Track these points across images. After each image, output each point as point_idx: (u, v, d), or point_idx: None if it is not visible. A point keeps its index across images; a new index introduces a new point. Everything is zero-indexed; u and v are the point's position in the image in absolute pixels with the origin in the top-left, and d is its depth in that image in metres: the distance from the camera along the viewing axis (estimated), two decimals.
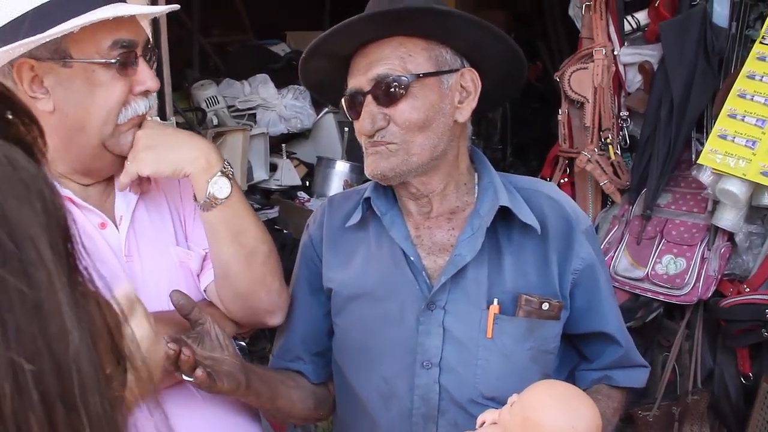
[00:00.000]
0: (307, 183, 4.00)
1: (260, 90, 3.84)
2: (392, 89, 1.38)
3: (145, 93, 1.35)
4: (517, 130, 6.18)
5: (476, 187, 1.53)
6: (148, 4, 2.30)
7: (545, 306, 1.46)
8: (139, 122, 1.36)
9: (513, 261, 1.48)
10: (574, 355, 1.62)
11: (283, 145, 3.92)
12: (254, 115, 3.83)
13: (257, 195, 3.78)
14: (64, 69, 1.25)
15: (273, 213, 3.69)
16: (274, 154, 3.88)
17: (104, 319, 0.47)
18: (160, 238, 1.44)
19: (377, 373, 1.52)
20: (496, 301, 1.45)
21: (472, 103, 1.46)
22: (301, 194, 3.89)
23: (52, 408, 0.39)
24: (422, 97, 1.39)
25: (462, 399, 1.47)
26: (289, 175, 3.87)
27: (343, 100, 1.47)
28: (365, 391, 1.55)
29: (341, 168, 3.94)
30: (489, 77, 1.48)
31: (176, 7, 1.42)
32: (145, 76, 1.33)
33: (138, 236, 1.41)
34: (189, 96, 3.57)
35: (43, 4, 1.21)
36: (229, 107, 3.71)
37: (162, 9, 1.43)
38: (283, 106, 3.85)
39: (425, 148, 1.41)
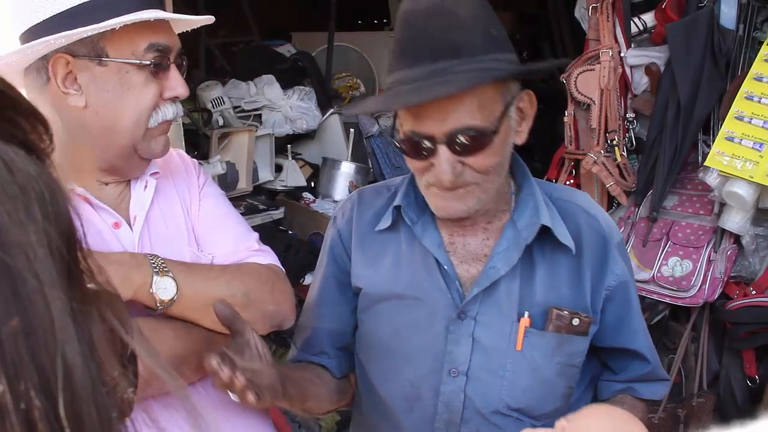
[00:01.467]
0: (312, 184, 4.00)
1: (266, 91, 3.84)
2: (475, 141, 1.29)
3: (174, 99, 1.36)
4: None
5: (512, 196, 1.49)
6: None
7: (575, 321, 1.44)
8: (168, 129, 1.38)
9: (545, 274, 1.46)
10: (596, 365, 1.61)
11: (289, 145, 3.92)
12: (260, 115, 3.83)
13: (262, 196, 3.79)
14: (99, 67, 1.27)
15: (278, 214, 3.69)
16: (280, 155, 3.88)
17: (109, 322, 0.47)
18: (173, 239, 1.44)
19: (403, 375, 1.52)
20: (527, 314, 1.44)
21: (528, 124, 1.41)
22: (307, 195, 3.89)
23: (35, 428, 0.38)
24: (498, 140, 1.32)
25: (486, 409, 1.47)
26: (294, 175, 3.88)
27: (400, 141, 1.36)
28: (389, 393, 1.55)
29: (346, 169, 3.94)
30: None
31: (212, 18, 1.43)
32: (176, 81, 1.34)
33: (152, 236, 1.41)
34: (195, 97, 3.58)
35: (85, 2, 1.23)
36: (234, 108, 3.71)
37: (199, 19, 1.42)
38: (288, 107, 3.85)
39: (495, 183, 1.38)
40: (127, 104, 1.30)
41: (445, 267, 1.45)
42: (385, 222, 1.50)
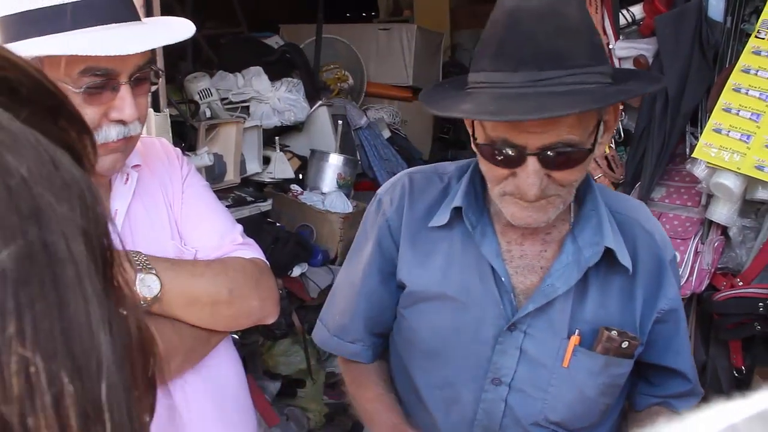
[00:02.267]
0: (300, 176, 3.98)
1: (254, 82, 3.81)
2: (570, 157, 1.23)
3: (121, 121, 1.27)
4: None
5: (572, 205, 1.41)
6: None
7: (625, 344, 1.40)
8: (119, 147, 1.29)
9: (598, 293, 1.42)
10: (633, 380, 1.58)
11: (277, 137, 3.90)
12: (247, 107, 3.80)
13: (250, 188, 3.77)
14: None
15: (266, 206, 3.68)
16: (268, 147, 3.86)
17: (142, 342, 0.46)
18: (155, 233, 1.42)
19: (443, 377, 1.49)
20: (577, 332, 1.41)
21: (609, 135, 1.36)
22: (295, 187, 3.87)
23: (65, 413, 0.37)
24: (589, 158, 1.28)
25: (526, 420, 1.45)
26: (282, 167, 3.86)
27: (481, 145, 1.29)
28: (429, 392, 1.52)
29: (334, 161, 3.92)
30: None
31: (190, 33, 1.32)
32: (123, 104, 1.25)
33: (134, 230, 1.38)
34: (182, 88, 3.55)
35: (26, 11, 1.15)
36: (222, 100, 3.69)
37: (161, 42, 1.31)
38: (276, 98, 3.83)
39: (572, 193, 1.34)
40: None
41: (502, 278, 1.41)
42: (441, 220, 1.45)
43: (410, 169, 1.61)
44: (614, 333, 1.39)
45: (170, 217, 1.45)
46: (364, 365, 1.64)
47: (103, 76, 1.21)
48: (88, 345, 0.38)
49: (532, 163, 1.22)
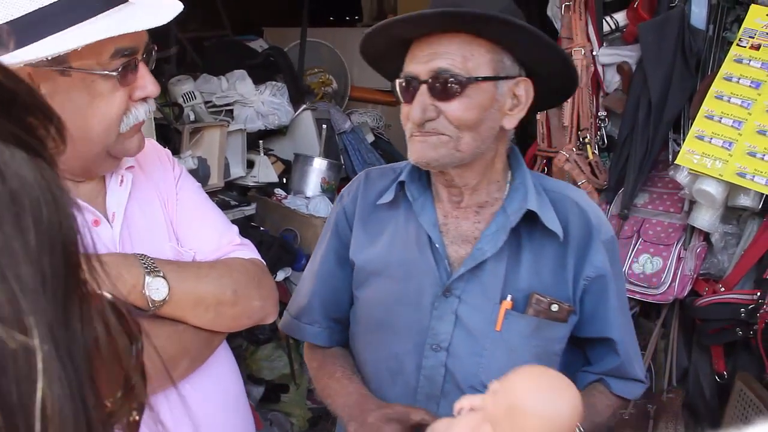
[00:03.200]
0: (284, 180, 3.97)
1: (238, 86, 3.80)
2: (449, 85, 1.39)
3: (145, 98, 1.29)
4: None
5: (508, 185, 1.55)
6: None
7: (554, 308, 1.48)
8: (141, 127, 1.32)
9: (531, 261, 1.50)
10: (581, 360, 1.65)
11: (261, 141, 3.88)
12: (231, 111, 3.79)
13: (234, 191, 3.75)
14: (62, 78, 1.18)
15: (250, 210, 3.66)
16: (252, 151, 3.84)
17: (113, 340, 0.45)
18: (153, 234, 1.41)
19: (389, 349, 1.58)
20: (509, 297, 1.49)
21: (521, 112, 1.48)
22: (279, 191, 3.86)
23: None
24: (476, 98, 1.40)
25: (464, 384, 1.51)
26: (266, 171, 3.84)
27: (397, 82, 1.47)
28: (376, 365, 1.61)
29: (318, 165, 3.92)
30: (541, 88, 1.50)
31: (180, 7, 1.32)
32: (145, 81, 1.27)
33: (132, 233, 1.37)
34: (166, 91, 3.53)
35: (43, 7, 1.13)
36: (206, 103, 3.68)
37: (169, 15, 1.29)
38: (260, 102, 3.82)
39: (470, 146, 1.44)
40: (96, 114, 1.23)
41: (437, 245, 1.51)
42: (388, 196, 1.58)
43: (371, 168, 1.76)
44: (545, 298, 1.48)
45: (165, 219, 1.45)
46: (328, 350, 1.72)
47: (129, 55, 1.23)
48: (27, 392, 0.37)
49: (422, 90, 1.41)
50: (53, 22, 1.14)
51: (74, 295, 0.42)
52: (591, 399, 1.56)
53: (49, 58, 1.12)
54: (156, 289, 1.26)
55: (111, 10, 1.20)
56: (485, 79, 1.40)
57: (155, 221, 1.43)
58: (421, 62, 1.41)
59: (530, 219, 1.48)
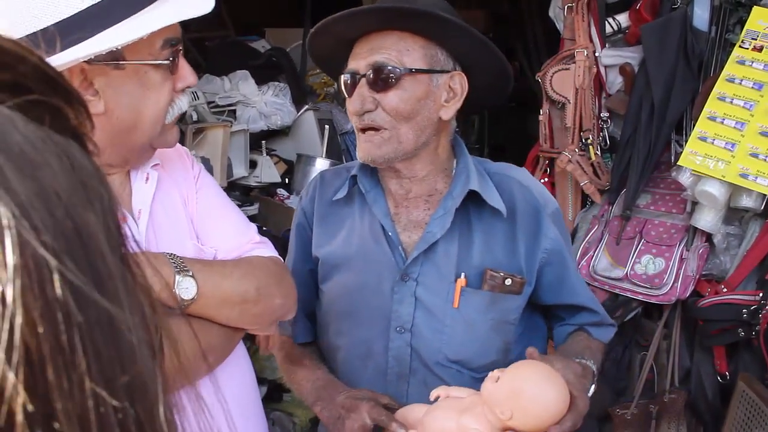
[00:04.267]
0: (287, 180, 3.98)
1: (240, 86, 3.81)
2: (385, 77, 1.50)
3: (185, 89, 1.32)
4: (494, 129, 6.22)
5: (454, 172, 1.65)
6: None
7: (508, 281, 1.59)
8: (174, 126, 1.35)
9: (482, 239, 1.61)
10: (538, 325, 1.77)
11: (263, 141, 3.89)
12: (234, 111, 3.80)
13: (237, 192, 3.76)
14: (115, 71, 1.20)
15: (252, 210, 3.67)
16: (254, 151, 3.86)
17: (154, 319, 0.46)
18: (177, 233, 1.41)
19: (357, 335, 1.67)
20: (463, 275, 1.58)
21: (457, 104, 1.58)
22: (281, 191, 3.87)
23: None
24: (411, 90, 1.51)
25: (430, 361, 1.61)
26: (268, 172, 3.85)
27: (341, 78, 1.57)
28: (347, 352, 1.70)
29: (321, 165, 3.91)
30: (477, 84, 1.59)
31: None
32: (186, 71, 1.30)
33: (156, 230, 1.38)
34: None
35: (97, 2, 1.14)
36: (209, 103, 3.69)
37: (211, 3, 1.31)
38: (263, 102, 3.83)
39: (410, 137, 1.53)
40: (147, 104, 1.25)
41: (390, 233, 1.61)
42: (343, 191, 1.67)
43: (324, 170, 1.90)
44: (498, 273, 1.58)
45: (187, 216, 1.45)
46: (295, 348, 1.80)
47: (175, 45, 1.25)
48: (133, 359, 0.39)
49: (361, 83, 1.52)
50: (107, 17, 1.15)
51: (128, 274, 0.44)
52: (584, 343, 1.70)
53: (107, 51, 1.14)
54: (186, 288, 1.26)
55: (156, 2, 1.21)
56: (419, 71, 1.51)
57: (178, 219, 1.44)
58: (361, 58, 1.53)
59: (477, 200, 1.58)
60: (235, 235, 1.50)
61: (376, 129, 1.53)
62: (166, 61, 1.24)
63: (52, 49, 1.04)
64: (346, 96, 1.57)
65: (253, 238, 1.53)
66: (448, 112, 1.57)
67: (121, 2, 1.17)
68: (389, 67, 1.50)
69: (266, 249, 1.53)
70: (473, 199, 1.58)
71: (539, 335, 1.78)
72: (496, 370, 1.38)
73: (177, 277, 1.25)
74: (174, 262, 1.26)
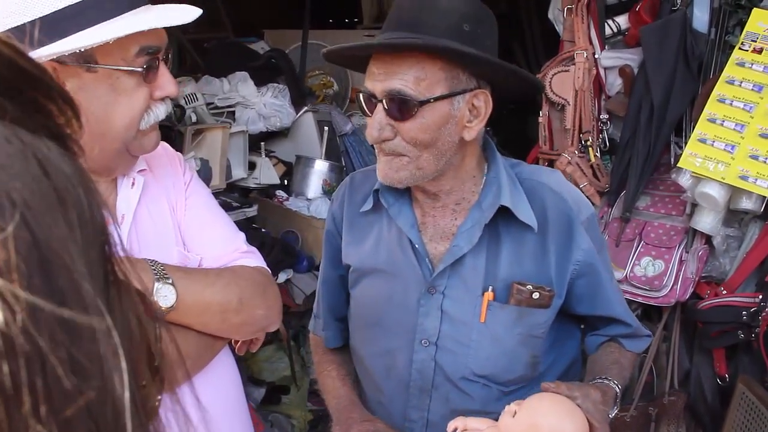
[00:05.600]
0: (286, 182, 3.98)
1: (239, 88, 3.81)
2: (403, 106, 1.41)
3: (165, 98, 1.31)
4: (494, 131, 6.22)
5: (484, 178, 1.58)
6: None
7: (536, 295, 1.53)
8: (158, 125, 1.34)
9: (510, 251, 1.54)
10: (572, 334, 1.73)
11: (262, 143, 3.89)
12: (233, 112, 3.80)
13: (235, 193, 3.76)
14: (87, 74, 1.20)
15: (251, 211, 3.66)
16: (253, 153, 3.85)
17: (143, 327, 0.45)
18: (162, 239, 1.41)
19: (382, 345, 1.66)
20: (490, 288, 1.53)
21: (480, 123, 1.49)
22: (280, 193, 3.86)
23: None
24: (430, 118, 1.42)
25: (454, 376, 1.58)
26: (267, 173, 3.85)
27: (360, 95, 1.50)
28: (371, 360, 1.70)
29: (320, 167, 3.92)
30: (500, 95, 1.51)
31: (200, 11, 1.33)
32: (166, 80, 1.29)
33: (140, 236, 1.38)
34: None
35: (72, 4, 1.15)
36: (208, 104, 3.68)
37: (193, 14, 1.30)
38: (262, 104, 3.82)
39: (431, 162, 1.47)
40: (118, 110, 1.24)
41: (416, 245, 1.57)
42: (368, 205, 1.63)
43: (355, 171, 1.84)
44: (526, 287, 1.53)
45: (173, 223, 1.45)
46: (327, 352, 1.86)
47: (153, 54, 1.25)
48: (103, 389, 0.38)
49: (378, 109, 1.43)
50: (82, 19, 1.15)
51: (113, 286, 0.43)
52: (614, 356, 1.67)
53: (78, 51, 1.14)
54: (164, 296, 1.25)
55: (138, 9, 1.22)
56: (439, 98, 1.41)
57: (163, 225, 1.44)
58: (378, 80, 1.43)
59: (507, 211, 1.51)
60: (221, 243, 1.50)
61: (395, 154, 1.47)
62: (138, 69, 1.23)
63: (32, 45, 1.04)
64: (367, 114, 1.49)
65: (240, 247, 1.52)
66: (471, 132, 1.48)
67: (97, 6, 1.17)
68: (407, 96, 1.40)
69: (253, 259, 1.52)
70: (503, 211, 1.51)
71: (571, 344, 1.74)
72: (513, 404, 1.37)
73: (156, 284, 1.24)
74: (155, 269, 1.25)
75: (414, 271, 1.58)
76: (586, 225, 1.56)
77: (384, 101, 1.42)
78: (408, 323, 1.59)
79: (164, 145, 1.56)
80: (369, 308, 1.68)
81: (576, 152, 2.97)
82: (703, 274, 2.74)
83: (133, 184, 1.40)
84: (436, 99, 1.41)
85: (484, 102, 1.47)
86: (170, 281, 1.26)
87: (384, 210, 1.62)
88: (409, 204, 1.60)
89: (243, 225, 3.52)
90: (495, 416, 1.49)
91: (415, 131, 1.42)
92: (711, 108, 2.62)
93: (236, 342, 1.58)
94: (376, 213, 1.65)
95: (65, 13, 1.14)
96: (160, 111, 1.31)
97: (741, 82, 2.60)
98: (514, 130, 5.54)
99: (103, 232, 0.42)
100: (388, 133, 1.44)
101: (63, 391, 0.35)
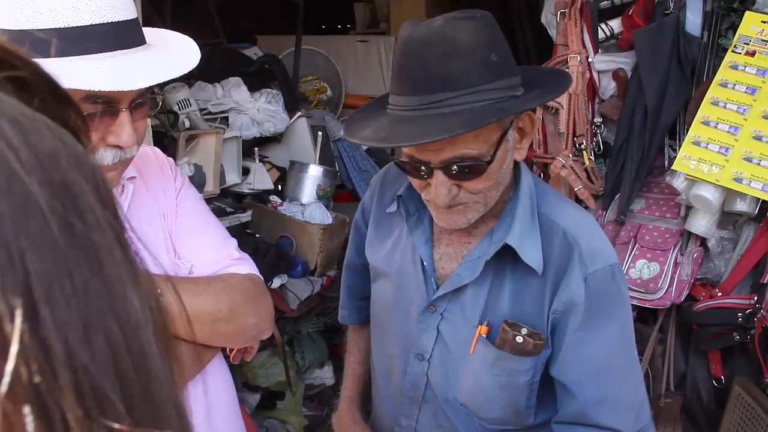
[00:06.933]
0: (280, 187, 3.97)
1: (233, 93, 3.80)
2: (471, 169, 1.33)
3: (117, 146, 1.23)
4: None
5: (505, 206, 1.49)
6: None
7: (519, 339, 1.41)
8: (117, 168, 1.27)
9: (513, 290, 1.45)
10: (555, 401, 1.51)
11: (256, 148, 3.88)
12: (226, 118, 3.79)
13: (229, 198, 3.74)
14: None
15: (245, 217, 3.66)
16: (247, 158, 3.84)
17: (161, 313, 0.46)
18: (150, 246, 1.40)
19: (385, 349, 1.69)
20: (486, 322, 1.47)
21: (528, 141, 1.45)
22: (274, 198, 3.85)
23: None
24: (495, 166, 1.35)
25: (441, 395, 1.56)
26: (261, 179, 3.84)
27: (401, 162, 1.40)
28: (377, 362, 1.75)
29: (314, 172, 3.91)
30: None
31: (181, 71, 1.26)
32: (121, 130, 1.22)
33: None
34: (161, 98, 3.52)
35: (29, 30, 1.09)
36: (201, 110, 3.67)
37: (165, 76, 1.22)
38: (255, 109, 3.81)
39: (495, 197, 1.43)
40: None
41: (425, 262, 1.54)
42: (393, 207, 1.60)
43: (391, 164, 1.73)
44: (517, 329, 1.42)
45: (164, 230, 1.43)
46: (357, 331, 1.94)
47: (103, 103, 1.18)
48: (125, 311, 0.39)
49: (438, 175, 1.33)
50: (35, 48, 1.10)
51: (129, 253, 0.45)
52: None
53: None
54: None
55: (105, 54, 1.15)
56: (498, 145, 1.34)
57: (153, 232, 1.42)
58: (431, 151, 1.31)
59: (515, 251, 1.42)
60: (213, 250, 1.48)
61: (462, 205, 1.40)
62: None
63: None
64: (410, 176, 1.41)
65: (231, 254, 1.51)
66: (521, 152, 1.44)
67: (68, 39, 1.11)
68: (472, 159, 1.31)
69: (245, 266, 1.51)
70: (513, 249, 1.41)
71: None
72: None
73: None
74: None
75: (419, 285, 1.56)
76: (591, 279, 1.40)
77: (451, 168, 1.32)
78: (408, 334, 1.59)
79: (155, 151, 1.55)
80: (380, 308, 1.70)
81: (570, 156, 2.97)
82: (698, 276, 2.74)
83: (122, 191, 1.38)
84: (497, 144, 1.34)
85: (529, 121, 1.42)
86: (158, 291, 1.25)
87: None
88: (429, 217, 1.53)
89: (237, 230, 3.51)
90: None
91: (483, 183, 1.36)
92: (705, 111, 2.62)
93: (230, 350, 1.56)
94: (400, 216, 1.60)
95: (23, 37, 1.09)
96: (107, 156, 1.23)
97: (734, 85, 2.61)
98: None
99: (117, 213, 0.44)
100: (455, 191, 1.36)
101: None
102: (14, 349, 0.32)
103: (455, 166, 1.31)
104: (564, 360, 1.43)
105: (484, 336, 1.46)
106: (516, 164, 1.49)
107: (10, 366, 0.32)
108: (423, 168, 1.34)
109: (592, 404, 1.42)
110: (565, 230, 1.44)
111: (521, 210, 1.44)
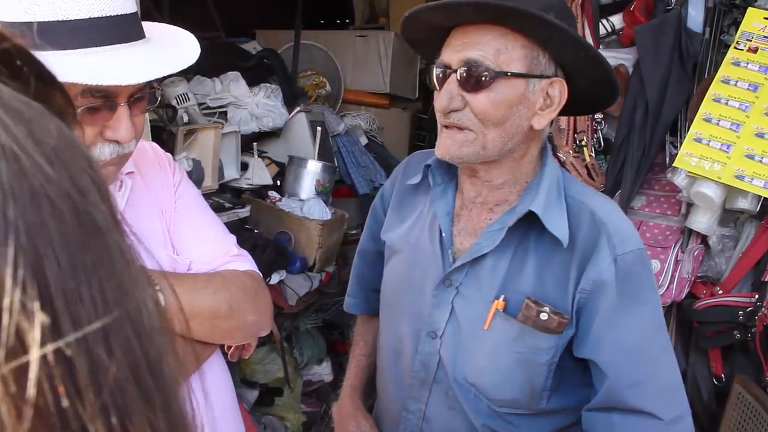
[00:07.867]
0: (278, 182, 3.95)
1: (231, 88, 3.78)
2: (477, 76, 1.35)
3: (114, 141, 1.22)
4: None
5: (527, 185, 1.49)
6: None
7: (543, 316, 1.39)
8: (114, 162, 1.25)
9: (536, 266, 1.43)
10: (576, 381, 1.49)
11: (255, 143, 3.86)
12: (225, 113, 3.77)
13: (228, 194, 3.72)
14: None
15: (244, 212, 3.63)
16: (245, 153, 3.82)
17: (161, 308, 0.45)
18: (149, 242, 1.38)
19: (394, 330, 1.66)
20: (503, 297, 1.44)
21: (552, 113, 1.42)
22: (273, 193, 3.84)
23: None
24: (504, 93, 1.36)
25: (452, 374, 1.52)
26: (260, 174, 3.82)
27: (433, 69, 1.43)
28: (387, 342, 1.71)
29: (313, 167, 3.89)
30: (576, 89, 1.42)
31: (178, 67, 1.24)
32: (119, 125, 1.20)
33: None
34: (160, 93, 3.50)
35: (26, 22, 1.06)
36: (199, 105, 3.65)
37: (164, 71, 1.19)
38: (254, 104, 3.79)
39: (496, 143, 1.40)
40: None
41: (443, 234, 1.54)
42: (416, 178, 1.61)
43: (415, 152, 1.81)
44: (534, 305, 1.40)
45: (162, 226, 1.42)
46: (364, 324, 1.94)
47: (101, 97, 1.16)
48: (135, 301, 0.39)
49: (451, 79, 1.38)
50: (54, 37, 1.08)
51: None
52: None
53: None
54: None
55: (104, 47, 1.13)
56: (516, 75, 1.35)
57: (151, 229, 1.40)
58: (454, 51, 1.37)
59: (540, 222, 1.41)
60: (212, 246, 1.47)
61: (460, 128, 1.40)
62: (77, 110, 1.14)
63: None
64: (437, 88, 1.42)
65: (230, 251, 1.50)
66: (542, 121, 1.41)
67: (47, 33, 1.09)
68: (483, 67, 1.34)
69: (244, 262, 1.50)
70: (536, 221, 1.41)
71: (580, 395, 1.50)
72: None
73: None
74: None
75: (436, 259, 1.54)
76: (616, 259, 1.38)
77: (459, 71, 1.36)
78: (420, 312, 1.56)
79: (153, 146, 1.53)
80: (391, 287, 1.69)
81: (571, 152, 2.96)
82: (699, 274, 2.74)
83: (120, 187, 1.36)
84: (513, 75, 1.35)
85: (559, 92, 1.40)
86: (158, 287, 1.23)
87: (429, 192, 1.59)
88: (453, 190, 1.57)
89: (235, 226, 3.50)
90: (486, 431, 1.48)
91: (486, 104, 1.36)
92: (706, 107, 2.61)
93: (228, 347, 1.55)
94: (423, 193, 1.63)
95: (19, 29, 1.05)
96: (105, 151, 1.21)
97: (736, 82, 2.59)
98: None
99: (112, 205, 0.43)
100: (458, 103, 1.38)
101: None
102: (34, 370, 0.30)
103: (466, 70, 1.35)
104: (598, 340, 1.40)
105: (502, 311, 1.43)
106: (543, 151, 1.51)
107: (32, 390, 0.30)
108: (443, 73, 1.40)
109: (627, 386, 1.38)
110: (594, 211, 1.43)
111: (546, 185, 1.44)
